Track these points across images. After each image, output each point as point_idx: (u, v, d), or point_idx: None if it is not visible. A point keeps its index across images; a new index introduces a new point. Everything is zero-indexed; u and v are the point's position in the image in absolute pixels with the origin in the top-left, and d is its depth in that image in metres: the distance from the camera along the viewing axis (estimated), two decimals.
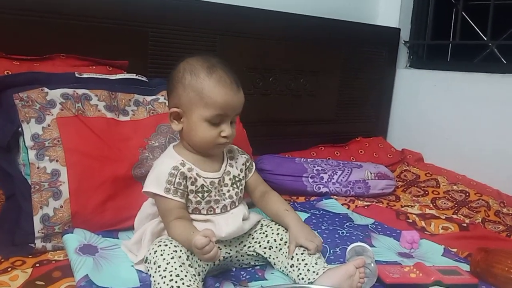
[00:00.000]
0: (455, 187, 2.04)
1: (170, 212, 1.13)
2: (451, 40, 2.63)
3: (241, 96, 1.17)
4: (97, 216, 1.29)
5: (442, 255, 1.39)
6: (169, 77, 1.20)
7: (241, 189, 1.25)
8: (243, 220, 1.19)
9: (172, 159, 1.17)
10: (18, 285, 1.05)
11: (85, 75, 1.47)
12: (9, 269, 1.12)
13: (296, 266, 1.13)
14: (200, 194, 1.16)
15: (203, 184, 1.17)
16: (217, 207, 1.19)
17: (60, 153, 1.28)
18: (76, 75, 1.45)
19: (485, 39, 2.37)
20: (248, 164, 1.30)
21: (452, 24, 2.62)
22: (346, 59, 2.38)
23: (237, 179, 1.24)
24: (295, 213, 1.25)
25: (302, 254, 1.14)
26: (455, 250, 1.43)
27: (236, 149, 1.30)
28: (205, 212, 1.18)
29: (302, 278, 1.11)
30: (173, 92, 1.18)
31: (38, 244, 1.23)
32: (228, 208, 1.20)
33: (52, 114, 1.33)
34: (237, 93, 1.15)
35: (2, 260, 1.16)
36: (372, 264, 1.15)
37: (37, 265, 1.15)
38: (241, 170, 1.26)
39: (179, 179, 1.13)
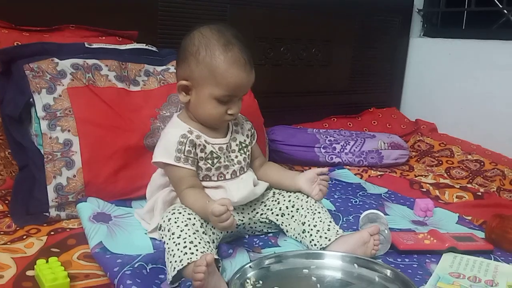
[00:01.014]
0: (469, 157, 2.01)
1: (182, 181, 1.12)
2: (465, 7, 2.57)
3: (253, 76, 1.15)
4: (109, 185, 1.29)
5: (456, 223, 1.38)
6: (180, 45, 1.17)
7: (248, 155, 1.24)
8: (253, 185, 1.19)
9: (179, 127, 1.16)
10: (33, 252, 1.06)
11: (95, 46, 1.46)
12: (24, 237, 1.13)
13: (308, 232, 1.13)
14: (209, 161, 1.16)
15: (212, 151, 1.16)
16: (227, 172, 1.18)
17: (71, 123, 1.28)
18: (86, 45, 1.44)
19: (501, 6, 2.32)
20: (253, 130, 1.29)
21: None
22: (358, 28, 2.35)
23: (243, 145, 1.23)
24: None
25: (313, 219, 1.14)
26: (469, 218, 1.42)
27: (240, 116, 1.28)
28: (215, 179, 1.17)
29: (315, 245, 1.10)
30: (184, 64, 1.15)
31: (52, 212, 1.24)
32: (238, 174, 1.20)
33: (63, 85, 1.32)
34: (249, 74, 1.13)
35: (18, 228, 1.17)
36: (386, 231, 1.15)
37: (52, 233, 1.16)
38: (247, 136, 1.25)
39: (189, 147, 1.13)
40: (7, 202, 1.31)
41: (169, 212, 1.06)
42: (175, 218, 1.03)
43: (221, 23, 1.18)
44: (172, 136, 1.14)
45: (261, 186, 1.22)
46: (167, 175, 1.17)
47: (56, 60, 1.36)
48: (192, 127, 1.16)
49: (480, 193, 1.62)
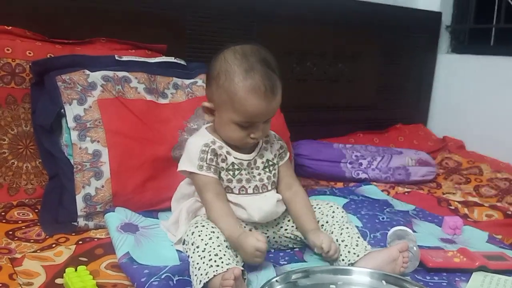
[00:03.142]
0: (498, 175, 1.97)
1: (206, 188, 1.12)
2: (494, 24, 2.54)
3: (276, 103, 1.12)
4: (137, 196, 1.31)
5: (486, 242, 1.34)
6: (208, 66, 1.18)
7: (274, 174, 1.22)
8: (277, 201, 1.18)
9: (203, 137, 1.18)
10: (62, 261, 1.07)
11: (125, 58, 1.48)
12: (53, 245, 1.14)
13: None
14: (231, 172, 1.16)
15: (233, 162, 1.16)
16: (249, 187, 1.17)
17: (101, 134, 1.30)
18: (116, 58, 1.47)
19: None
20: (281, 151, 1.26)
21: (496, 8, 2.53)
22: (385, 43, 2.34)
23: (270, 163, 1.22)
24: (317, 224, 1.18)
25: (341, 235, 1.13)
26: (499, 237, 1.39)
27: (273, 134, 1.28)
28: (237, 192, 1.16)
29: (343, 260, 1.09)
30: (208, 85, 1.17)
31: (81, 222, 1.25)
32: (260, 190, 1.18)
33: (93, 96, 1.35)
34: (271, 102, 1.10)
35: (47, 237, 1.19)
36: (415, 248, 1.12)
37: (80, 242, 1.18)
38: (275, 155, 1.24)
39: (211, 155, 1.13)
40: (37, 210, 1.33)
41: (192, 226, 1.06)
42: (199, 232, 1.03)
43: (252, 43, 1.15)
44: (195, 145, 1.15)
45: (283, 205, 1.21)
46: (193, 184, 1.18)
47: (87, 72, 1.38)
48: (217, 138, 1.17)
49: (510, 212, 1.58)
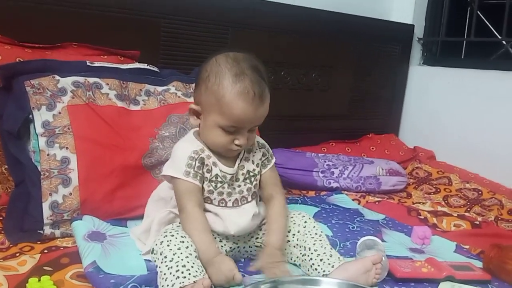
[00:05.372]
0: (467, 185, 2.01)
1: (188, 195, 1.11)
2: (465, 37, 2.60)
3: (263, 110, 1.10)
4: (106, 204, 1.28)
5: (454, 252, 1.37)
6: (199, 69, 1.17)
7: (255, 184, 1.21)
8: (253, 215, 1.17)
9: (192, 144, 1.16)
10: (26, 270, 1.04)
11: (96, 64, 1.46)
12: (17, 254, 1.11)
13: (308, 256, 1.11)
14: (213, 184, 1.14)
15: (217, 174, 1.14)
16: (229, 200, 1.16)
17: (70, 140, 1.28)
18: (88, 63, 1.45)
19: (500, 37, 2.34)
20: (264, 159, 1.24)
21: (467, 22, 2.59)
22: (359, 54, 2.36)
23: (251, 174, 1.20)
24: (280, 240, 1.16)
25: (314, 244, 1.13)
26: (467, 247, 1.41)
27: (257, 142, 1.25)
28: (216, 203, 1.15)
29: (316, 269, 1.09)
30: (197, 88, 1.15)
31: (47, 230, 1.22)
32: (239, 203, 1.17)
33: (63, 102, 1.32)
34: (258, 108, 1.08)
35: (11, 245, 1.16)
36: (383, 258, 1.13)
37: (45, 251, 1.15)
38: (257, 165, 1.22)
39: (199, 163, 1.12)
40: (1, 218, 1.29)
41: (162, 235, 1.05)
42: (168, 241, 1.02)
43: (245, 52, 1.14)
44: (184, 150, 1.14)
45: (260, 216, 1.20)
46: (174, 189, 1.15)
47: (57, 77, 1.36)
48: (205, 146, 1.15)
49: (478, 222, 1.61)
